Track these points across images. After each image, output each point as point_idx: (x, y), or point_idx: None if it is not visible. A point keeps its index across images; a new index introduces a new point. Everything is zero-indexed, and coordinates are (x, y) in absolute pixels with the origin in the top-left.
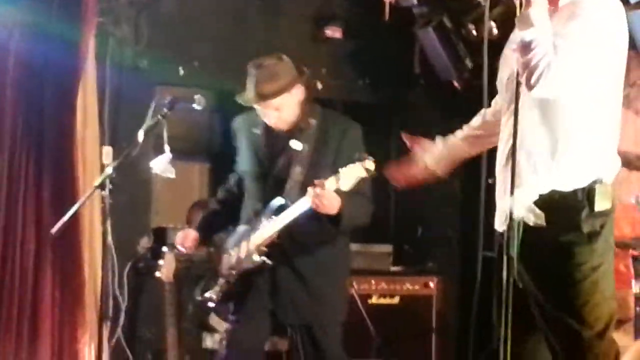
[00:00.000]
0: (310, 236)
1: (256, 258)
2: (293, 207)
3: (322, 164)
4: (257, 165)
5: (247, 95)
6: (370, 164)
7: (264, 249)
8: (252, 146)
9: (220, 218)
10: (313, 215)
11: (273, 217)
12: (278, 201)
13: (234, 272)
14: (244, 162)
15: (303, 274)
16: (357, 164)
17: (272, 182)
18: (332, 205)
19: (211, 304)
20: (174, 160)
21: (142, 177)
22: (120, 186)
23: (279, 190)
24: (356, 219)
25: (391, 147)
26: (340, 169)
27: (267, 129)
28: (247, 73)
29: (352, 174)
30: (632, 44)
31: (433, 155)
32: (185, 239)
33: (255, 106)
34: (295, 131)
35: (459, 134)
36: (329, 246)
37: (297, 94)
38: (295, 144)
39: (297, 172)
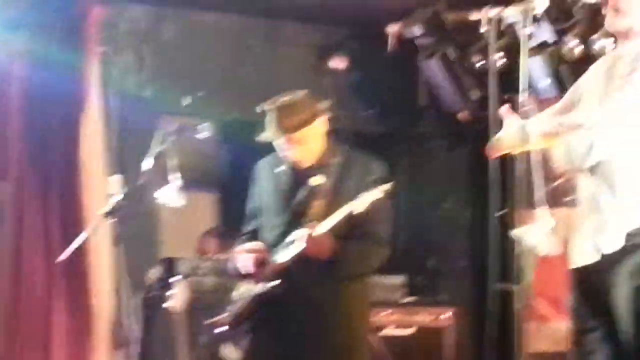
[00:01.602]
0: (325, 269)
1: (267, 284)
2: (298, 242)
3: (343, 197)
4: (277, 201)
5: (269, 132)
6: (387, 186)
7: (276, 275)
8: (273, 184)
9: None
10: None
11: (289, 247)
12: (296, 233)
13: (245, 296)
14: (264, 200)
15: (317, 308)
16: (377, 190)
17: (292, 216)
18: (320, 249)
19: (222, 328)
20: (181, 190)
21: (149, 206)
22: (127, 216)
23: (298, 224)
24: (356, 266)
25: (397, 178)
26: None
27: (291, 169)
28: (265, 113)
29: (368, 198)
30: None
31: None
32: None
33: (278, 144)
34: (317, 168)
35: None
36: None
37: (320, 125)
38: (316, 180)
39: (317, 204)
